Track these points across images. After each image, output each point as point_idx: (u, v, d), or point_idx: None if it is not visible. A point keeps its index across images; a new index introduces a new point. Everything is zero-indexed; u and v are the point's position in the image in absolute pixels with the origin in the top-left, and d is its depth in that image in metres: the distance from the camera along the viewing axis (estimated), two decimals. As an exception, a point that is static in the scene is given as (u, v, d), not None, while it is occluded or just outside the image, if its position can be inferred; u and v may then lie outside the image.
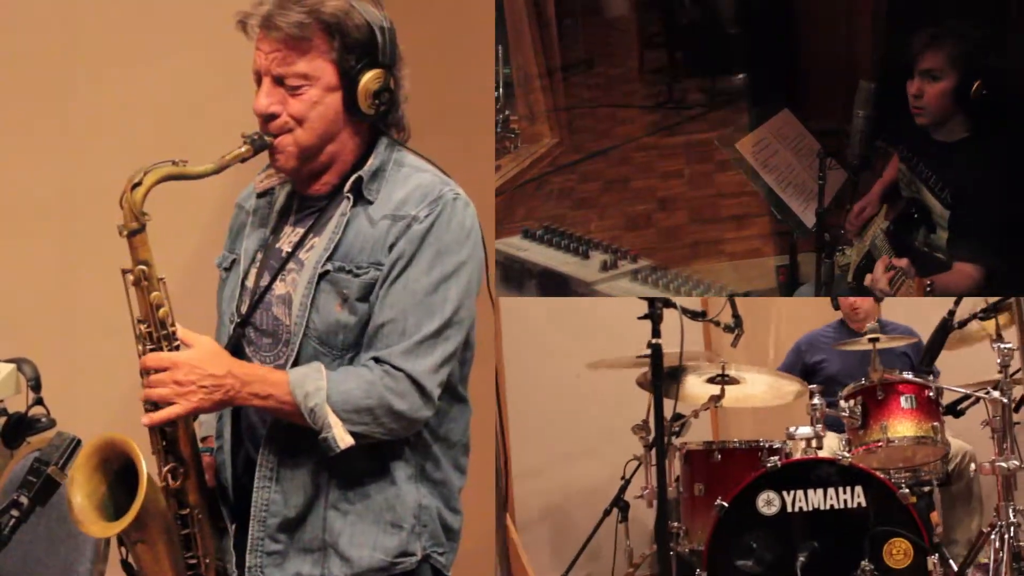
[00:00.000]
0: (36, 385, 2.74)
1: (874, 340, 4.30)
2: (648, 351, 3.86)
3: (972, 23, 3.62)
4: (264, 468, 2.33)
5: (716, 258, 4.29)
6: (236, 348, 2.36)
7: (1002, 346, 3.96)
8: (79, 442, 2.27)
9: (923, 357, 4.22)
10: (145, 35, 3.77)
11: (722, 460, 4.05)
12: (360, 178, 2.32)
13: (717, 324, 3.90)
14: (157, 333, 2.25)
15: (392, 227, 2.28)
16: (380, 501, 2.33)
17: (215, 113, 3.66)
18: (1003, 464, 3.87)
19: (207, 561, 2.35)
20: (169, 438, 2.30)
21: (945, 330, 4.07)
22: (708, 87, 4.60)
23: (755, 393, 4.37)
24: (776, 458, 3.88)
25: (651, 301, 3.53)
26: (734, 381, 4.26)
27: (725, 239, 4.33)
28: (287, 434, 2.31)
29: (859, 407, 4.10)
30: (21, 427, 2.70)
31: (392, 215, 2.29)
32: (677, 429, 4.14)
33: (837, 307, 4.98)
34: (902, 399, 4.08)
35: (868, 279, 3.76)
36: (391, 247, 2.28)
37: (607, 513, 4.53)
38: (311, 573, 2.32)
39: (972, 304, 4.11)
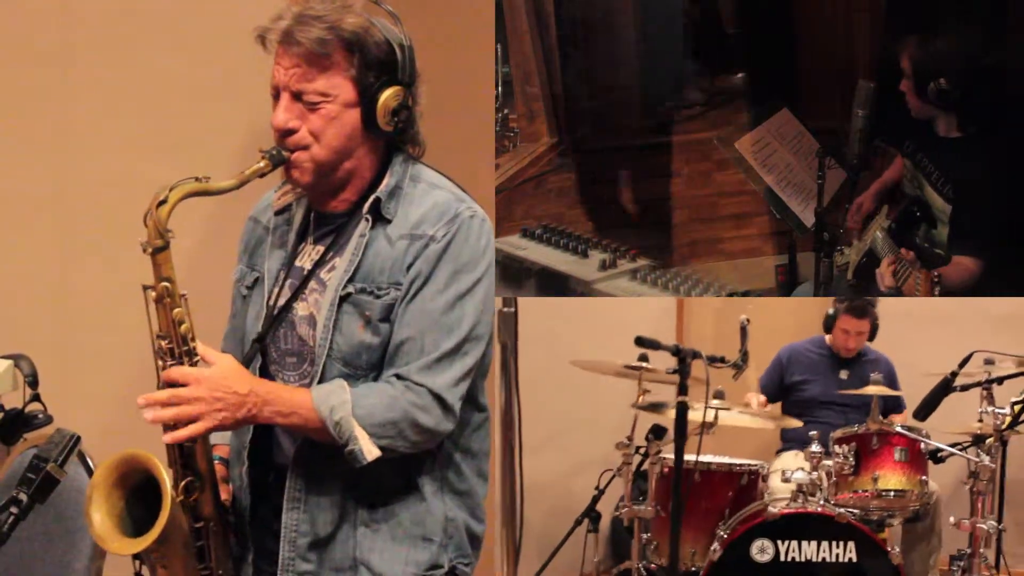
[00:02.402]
0: (33, 381, 2.73)
1: (876, 387, 4.47)
2: (637, 363, 3.99)
3: (950, 23, 3.64)
4: (292, 490, 2.34)
5: (715, 257, 4.29)
6: (259, 366, 2.37)
7: (995, 410, 4.03)
8: (78, 439, 2.26)
9: (919, 409, 4.22)
10: (143, 32, 3.77)
11: (701, 480, 4.08)
12: (378, 199, 2.32)
13: (726, 363, 3.90)
14: (178, 349, 2.25)
15: (410, 247, 2.29)
16: (410, 516, 2.35)
17: (212, 110, 3.66)
18: (983, 525, 4.00)
19: (220, 573, 2.36)
20: (186, 452, 2.30)
21: (946, 389, 4.12)
22: (707, 86, 4.60)
23: (741, 418, 4.37)
24: (776, 508, 3.95)
25: (681, 357, 3.46)
26: (725, 408, 4.24)
27: (724, 238, 4.33)
28: (313, 455, 2.32)
29: (852, 454, 4.13)
30: (18, 423, 2.69)
31: (410, 235, 2.30)
32: (651, 438, 4.17)
33: (829, 330, 4.96)
34: (896, 451, 4.14)
35: (877, 273, 3.78)
36: (409, 267, 2.29)
37: (578, 523, 4.55)
38: None
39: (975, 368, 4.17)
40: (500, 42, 4.33)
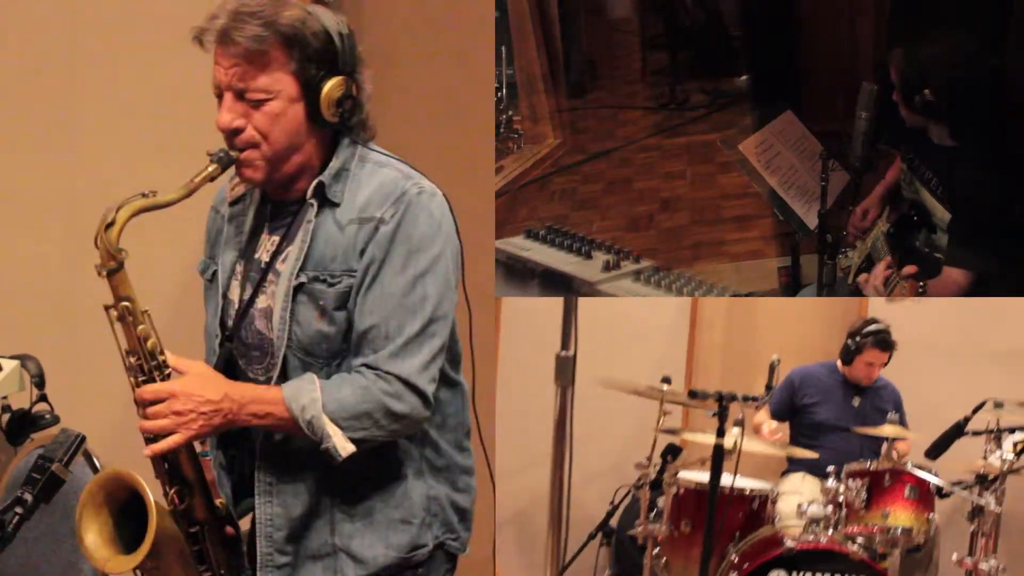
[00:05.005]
0: (40, 382, 2.74)
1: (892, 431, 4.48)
2: (662, 386, 4.07)
3: (950, 28, 3.64)
4: (262, 483, 2.34)
5: (718, 259, 4.29)
6: (228, 363, 2.37)
7: (1002, 455, 4.13)
8: (83, 439, 2.28)
9: (930, 450, 4.34)
10: (150, 35, 3.76)
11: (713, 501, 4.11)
12: (321, 183, 2.30)
13: (758, 400, 4.03)
14: (147, 365, 2.25)
15: (360, 231, 2.27)
16: (388, 499, 2.35)
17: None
18: (984, 566, 4.11)
19: (221, 572, 2.37)
20: (171, 461, 2.31)
21: (958, 432, 4.25)
22: (711, 88, 4.61)
23: (758, 446, 4.45)
24: (792, 543, 4.04)
25: (720, 399, 3.63)
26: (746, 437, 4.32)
27: (727, 240, 4.33)
28: (281, 446, 2.32)
29: (865, 489, 4.24)
30: (25, 424, 2.71)
31: (359, 219, 2.28)
32: (670, 459, 4.23)
33: (849, 362, 4.94)
34: (906, 489, 4.24)
35: (862, 278, 3.77)
36: (361, 252, 2.27)
37: (592, 537, 4.58)
38: None
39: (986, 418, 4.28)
40: (504, 44, 4.34)
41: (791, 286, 4.16)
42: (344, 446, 2.23)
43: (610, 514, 4.55)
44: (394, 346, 2.25)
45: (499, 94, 4.37)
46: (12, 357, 2.80)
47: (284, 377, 2.30)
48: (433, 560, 2.40)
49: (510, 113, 4.46)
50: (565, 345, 4.16)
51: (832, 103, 4.21)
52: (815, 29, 4.39)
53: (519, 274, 4.17)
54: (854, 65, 4.27)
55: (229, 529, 2.40)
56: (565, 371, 4.17)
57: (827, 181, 3.80)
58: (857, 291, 3.93)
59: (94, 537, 2.25)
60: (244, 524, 2.44)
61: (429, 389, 2.29)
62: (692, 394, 3.81)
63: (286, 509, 2.33)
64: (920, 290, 3.62)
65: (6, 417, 2.74)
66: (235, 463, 2.42)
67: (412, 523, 2.36)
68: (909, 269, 3.64)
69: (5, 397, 2.78)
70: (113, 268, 2.22)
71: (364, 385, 2.24)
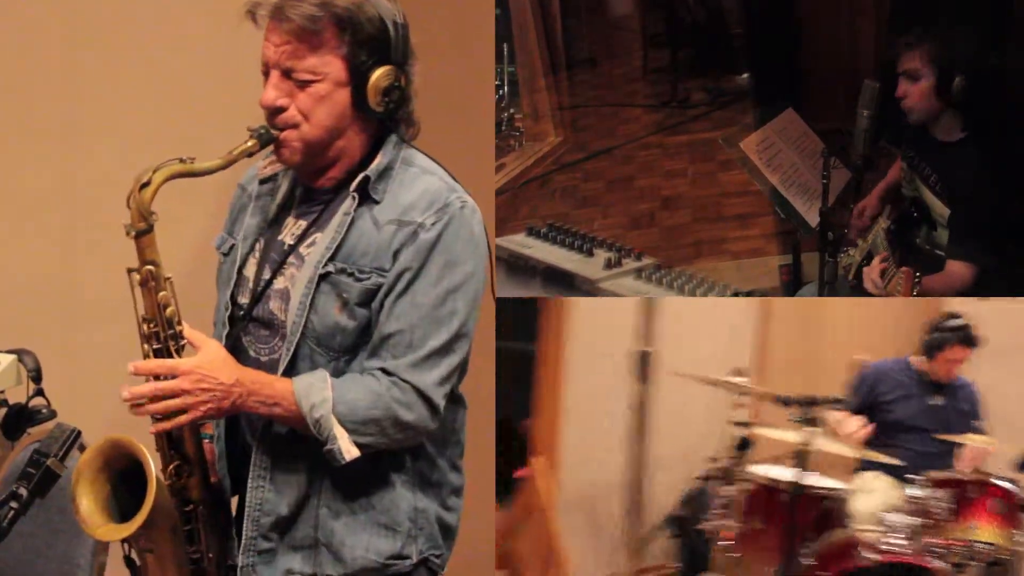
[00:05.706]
0: (37, 376, 2.73)
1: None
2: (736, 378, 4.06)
3: (953, 24, 3.64)
4: (258, 467, 2.32)
5: (719, 257, 4.30)
6: (235, 340, 2.35)
7: None
8: (79, 433, 2.27)
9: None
10: (149, 28, 3.77)
11: (789, 500, 3.99)
12: (367, 178, 2.27)
13: (841, 402, 3.97)
14: (164, 333, 2.23)
15: (397, 233, 2.25)
16: (375, 503, 2.33)
17: (218, 106, 3.66)
18: None
19: (210, 556, 2.35)
20: (174, 438, 2.29)
21: None
22: (712, 86, 4.62)
23: (840, 447, 4.30)
24: (873, 555, 3.91)
25: (806, 405, 3.60)
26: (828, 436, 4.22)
27: (728, 238, 4.34)
28: (281, 432, 2.31)
29: (951, 499, 4.10)
30: (21, 418, 2.70)
31: (398, 220, 2.25)
32: (742, 453, 4.18)
33: (931, 357, 4.73)
34: (993, 502, 4.10)
35: (865, 271, 3.77)
36: (395, 254, 2.25)
37: (660, 529, 4.56)
38: (302, 570, 2.33)
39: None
40: (506, 41, 4.35)
41: (792, 284, 4.16)
42: (348, 450, 2.22)
43: (680, 506, 4.51)
44: (416, 356, 2.23)
45: (500, 92, 4.38)
46: (9, 351, 2.79)
47: (292, 363, 2.29)
48: (415, 575, 2.38)
49: (511, 111, 4.48)
50: (645, 341, 4.12)
51: (833, 101, 4.22)
52: (816, 27, 4.40)
53: (520, 272, 4.18)
54: (855, 63, 4.28)
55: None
56: (643, 367, 4.11)
57: (828, 179, 3.80)
58: (858, 288, 3.93)
59: (88, 503, 2.24)
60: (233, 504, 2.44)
61: (441, 405, 2.27)
62: (782, 400, 3.75)
63: (276, 496, 2.32)
64: (916, 281, 3.62)
65: (2, 412, 2.73)
66: (235, 448, 2.42)
67: (396, 531, 2.34)
68: (908, 271, 3.63)
69: (1, 392, 2.77)
70: (143, 229, 2.19)
71: (377, 391, 2.23)
